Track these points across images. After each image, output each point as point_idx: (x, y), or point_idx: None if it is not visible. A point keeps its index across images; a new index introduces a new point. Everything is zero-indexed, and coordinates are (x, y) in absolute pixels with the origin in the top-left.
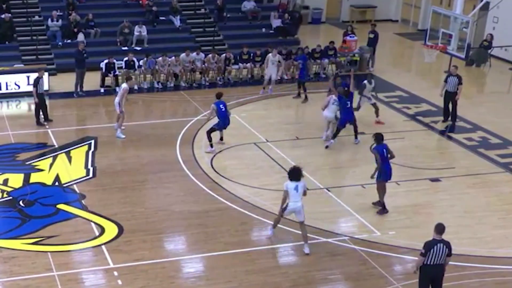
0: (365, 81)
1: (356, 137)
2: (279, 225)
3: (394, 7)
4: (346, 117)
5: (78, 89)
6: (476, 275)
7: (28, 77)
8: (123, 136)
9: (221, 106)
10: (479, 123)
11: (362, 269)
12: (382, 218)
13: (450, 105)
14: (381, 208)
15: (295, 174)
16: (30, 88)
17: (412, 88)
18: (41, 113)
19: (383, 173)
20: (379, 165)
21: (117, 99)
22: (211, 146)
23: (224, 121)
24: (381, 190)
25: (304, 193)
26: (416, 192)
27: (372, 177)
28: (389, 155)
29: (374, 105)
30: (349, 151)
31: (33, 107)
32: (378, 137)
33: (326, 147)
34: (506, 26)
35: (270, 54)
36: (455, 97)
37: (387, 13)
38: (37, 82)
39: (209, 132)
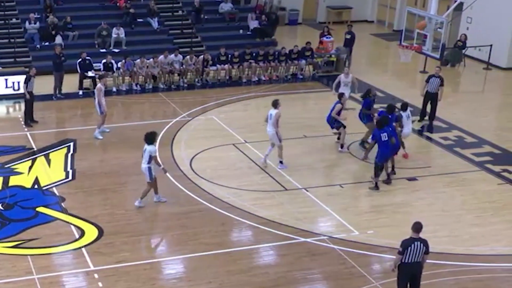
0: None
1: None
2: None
3: (370, 8)
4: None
5: (57, 92)
6: (453, 273)
7: (6, 80)
8: (101, 137)
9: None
10: (454, 123)
11: (341, 268)
12: (360, 218)
13: (429, 106)
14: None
15: (146, 136)
16: (8, 91)
17: (388, 88)
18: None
19: (378, 155)
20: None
21: (96, 101)
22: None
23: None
24: (377, 169)
25: (154, 159)
26: (393, 191)
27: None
28: (389, 140)
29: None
30: (327, 152)
31: (11, 109)
32: (381, 122)
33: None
34: (479, 26)
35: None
36: (435, 98)
37: (363, 14)
38: (28, 80)
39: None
